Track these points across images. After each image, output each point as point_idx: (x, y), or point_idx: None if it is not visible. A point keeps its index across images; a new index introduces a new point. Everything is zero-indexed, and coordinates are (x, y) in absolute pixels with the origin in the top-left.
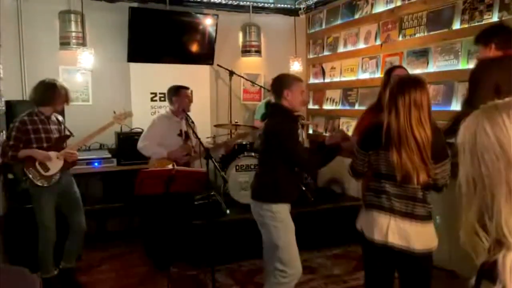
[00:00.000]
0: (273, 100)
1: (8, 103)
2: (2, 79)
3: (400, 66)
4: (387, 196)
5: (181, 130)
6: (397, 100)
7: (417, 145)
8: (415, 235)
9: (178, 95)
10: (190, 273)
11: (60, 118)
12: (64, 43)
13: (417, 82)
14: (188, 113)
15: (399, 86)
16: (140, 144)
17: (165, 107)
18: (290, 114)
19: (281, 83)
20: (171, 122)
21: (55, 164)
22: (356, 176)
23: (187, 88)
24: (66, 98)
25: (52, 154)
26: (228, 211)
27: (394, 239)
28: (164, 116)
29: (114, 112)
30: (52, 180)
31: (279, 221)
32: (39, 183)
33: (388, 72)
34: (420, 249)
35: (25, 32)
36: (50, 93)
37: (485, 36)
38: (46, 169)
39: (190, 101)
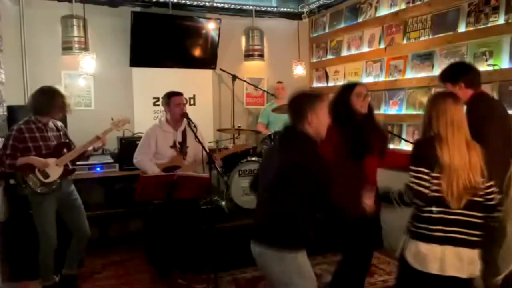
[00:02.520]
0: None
1: (10, 108)
2: (4, 84)
3: (360, 83)
4: (440, 224)
5: (174, 141)
6: (441, 124)
7: (470, 168)
8: (470, 263)
9: (169, 104)
10: (192, 280)
11: (59, 124)
12: (66, 48)
13: (455, 100)
14: (190, 117)
15: (440, 107)
16: (134, 159)
17: None
18: (316, 146)
19: (303, 102)
20: (164, 133)
21: (55, 171)
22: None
23: (179, 94)
24: (64, 107)
25: (51, 161)
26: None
27: (451, 271)
28: (157, 127)
29: (112, 119)
30: (52, 187)
31: (306, 277)
32: (39, 190)
33: (348, 89)
34: (474, 276)
35: (27, 37)
36: (46, 102)
37: (454, 74)
38: (46, 176)
39: (182, 109)
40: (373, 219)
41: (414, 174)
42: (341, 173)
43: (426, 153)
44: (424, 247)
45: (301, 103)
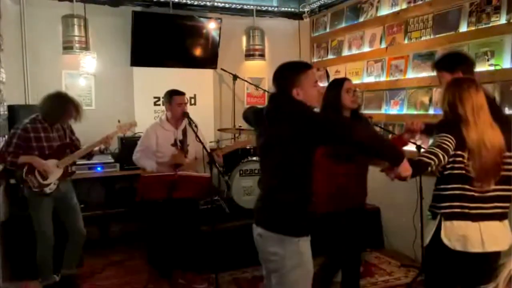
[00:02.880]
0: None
1: (11, 108)
2: (4, 84)
3: (347, 79)
4: (473, 201)
5: (175, 140)
6: (467, 109)
7: (494, 148)
8: (504, 235)
9: (170, 103)
10: (193, 280)
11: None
12: (67, 48)
13: (477, 86)
14: (191, 117)
15: (461, 90)
16: (133, 156)
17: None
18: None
19: (286, 77)
20: (165, 132)
21: (54, 172)
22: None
23: (181, 93)
24: (75, 117)
25: (52, 163)
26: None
27: (491, 246)
28: (158, 125)
29: (119, 121)
30: (49, 188)
31: (304, 266)
32: (36, 191)
33: (337, 86)
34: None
35: (28, 37)
36: (58, 111)
37: (451, 62)
38: (44, 177)
39: (183, 109)
40: (360, 220)
41: (439, 138)
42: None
43: (452, 130)
44: (461, 225)
45: (284, 78)
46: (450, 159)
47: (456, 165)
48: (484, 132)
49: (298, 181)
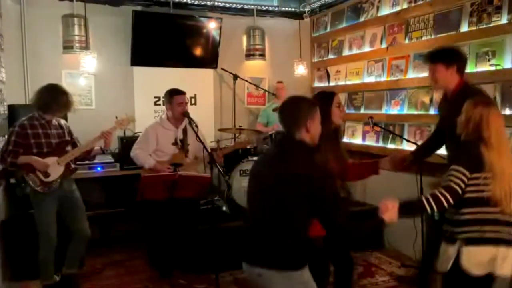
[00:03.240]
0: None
1: (11, 107)
2: (4, 83)
3: (335, 93)
4: (492, 224)
5: (176, 139)
6: (491, 132)
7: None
8: None
9: (171, 102)
10: (193, 280)
11: (63, 122)
12: (67, 47)
13: (497, 110)
14: (191, 117)
15: (490, 116)
16: (131, 153)
17: None
18: (314, 155)
19: (303, 108)
20: (165, 131)
21: (55, 170)
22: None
23: (181, 93)
24: (68, 105)
25: (52, 160)
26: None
27: (507, 271)
28: (158, 124)
29: (116, 117)
30: (52, 187)
31: None
32: (39, 189)
33: (328, 100)
34: None
35: (28, 36)
36: (50, 99)
37: (449, 56)
38: (46, 175)
39: (184, 108)
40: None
41: (455, 173)
42: None
43: (472, 154)
44: (481, 250)
45: (300, 109)
46: (468, 183)
47: (474, 189)
48: (506, 155)
49: (299, 217)
